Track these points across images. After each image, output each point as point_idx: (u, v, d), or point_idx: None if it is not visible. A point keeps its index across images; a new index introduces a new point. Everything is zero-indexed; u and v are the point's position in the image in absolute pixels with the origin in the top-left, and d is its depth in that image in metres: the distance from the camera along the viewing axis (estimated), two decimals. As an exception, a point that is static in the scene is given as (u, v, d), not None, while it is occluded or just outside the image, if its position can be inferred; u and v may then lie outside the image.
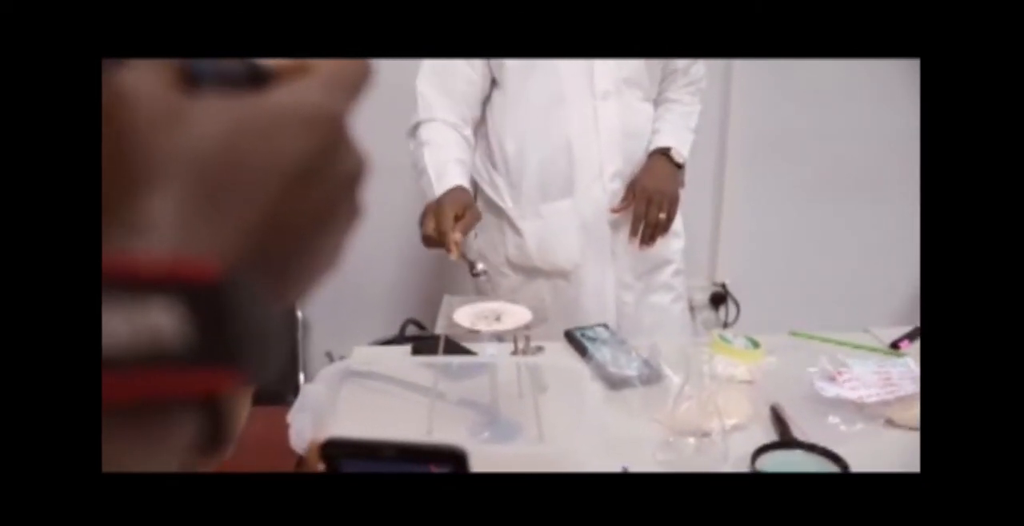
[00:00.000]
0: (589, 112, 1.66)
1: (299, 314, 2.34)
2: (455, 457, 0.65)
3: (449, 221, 1.39)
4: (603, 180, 1.70)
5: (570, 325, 1.62)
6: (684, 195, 1.78)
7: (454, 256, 1.37)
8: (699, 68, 1.83)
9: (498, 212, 1.76)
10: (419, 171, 1.57)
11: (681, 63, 1.79)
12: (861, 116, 2.67)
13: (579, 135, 1.67)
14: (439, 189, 1.49)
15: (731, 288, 2.83)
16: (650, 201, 1.65)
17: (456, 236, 1.37)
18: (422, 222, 1.46)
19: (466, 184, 1.54)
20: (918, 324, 1.64)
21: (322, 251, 0.31)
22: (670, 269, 1.86)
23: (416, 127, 1.62)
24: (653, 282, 1.84)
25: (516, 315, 1.18)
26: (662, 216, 1.66)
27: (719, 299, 2.84)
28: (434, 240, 1.41)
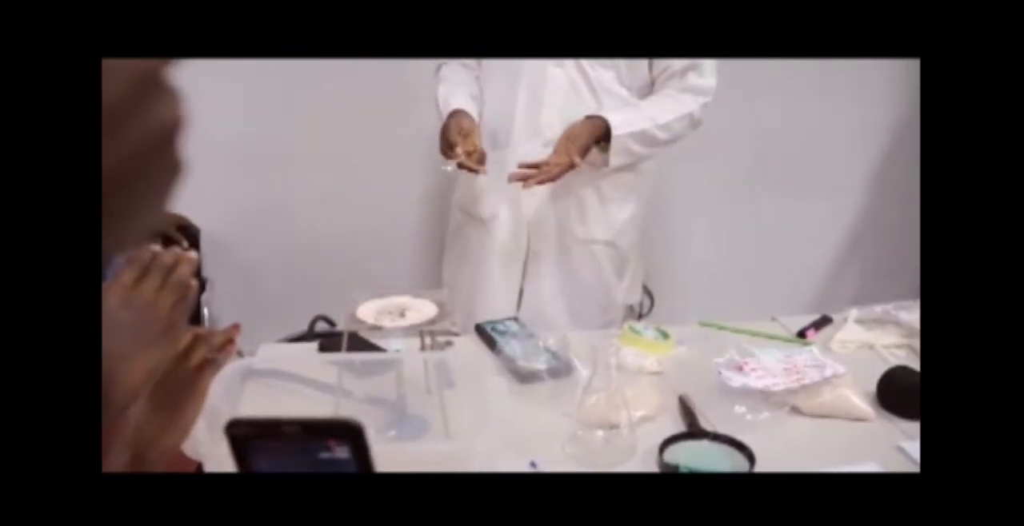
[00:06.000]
0: (539, 73, 1.73)
1: (205, 311, 2.26)
2: (352, 430, 0.69)
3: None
4: (537, 143, 1.73)
5: (485, 271, 1.85)
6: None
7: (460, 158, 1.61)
8: (698, 77, 1.79)
9: None
10: (437, 105, 1.79)
11: (678, 66, 1.76)
12: (776, 112, 2.71)
13: (527, 92, 1.75)
14: (444, 116, 1.72)
15: (644, 280, 2.84)
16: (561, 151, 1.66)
17: (458, 150, 1.61)
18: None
19: (467, 109, 1.72)
20: (824, 313, 1.68)
21: (141, 205, 0.30)
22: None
23: (439, 67, 1.86)
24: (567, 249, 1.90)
25: (421, 310, 1.16)
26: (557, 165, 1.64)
27: (634, 290, 2.85)
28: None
